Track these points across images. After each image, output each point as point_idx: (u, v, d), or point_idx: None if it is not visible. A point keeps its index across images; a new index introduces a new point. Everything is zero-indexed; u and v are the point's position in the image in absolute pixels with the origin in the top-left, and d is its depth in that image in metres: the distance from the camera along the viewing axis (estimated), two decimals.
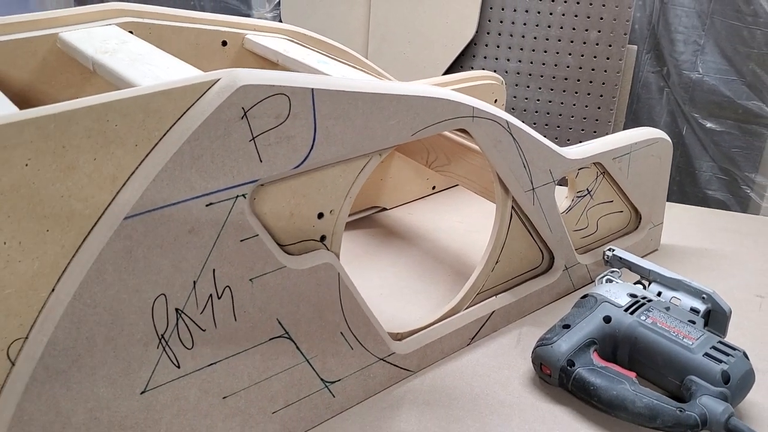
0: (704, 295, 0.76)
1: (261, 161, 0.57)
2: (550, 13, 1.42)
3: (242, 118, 0.54)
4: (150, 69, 0.61)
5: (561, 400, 0.72)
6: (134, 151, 0.51)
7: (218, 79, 0.54)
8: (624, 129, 1.53)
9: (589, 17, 1.40)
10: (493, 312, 0.80)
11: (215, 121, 0.53)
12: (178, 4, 1.73)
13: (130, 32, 0.73)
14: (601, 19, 1.39)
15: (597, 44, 1.41)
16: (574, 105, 1.46)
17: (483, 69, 1.51)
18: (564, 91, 1.46)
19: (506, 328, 0.83)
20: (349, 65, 0.82)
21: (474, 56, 1.50)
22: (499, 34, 1.47)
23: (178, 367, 0.57)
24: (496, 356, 0.78)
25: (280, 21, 1.62)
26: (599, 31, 1.40)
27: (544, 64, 1.46)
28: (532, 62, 1.46)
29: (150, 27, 0.74)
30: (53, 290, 0.50)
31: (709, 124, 1.55)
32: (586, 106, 1.44)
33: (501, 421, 0.69)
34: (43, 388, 0.51)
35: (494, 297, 0.82)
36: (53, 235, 0.49)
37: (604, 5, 1.38)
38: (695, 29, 1.48)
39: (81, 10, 0.70)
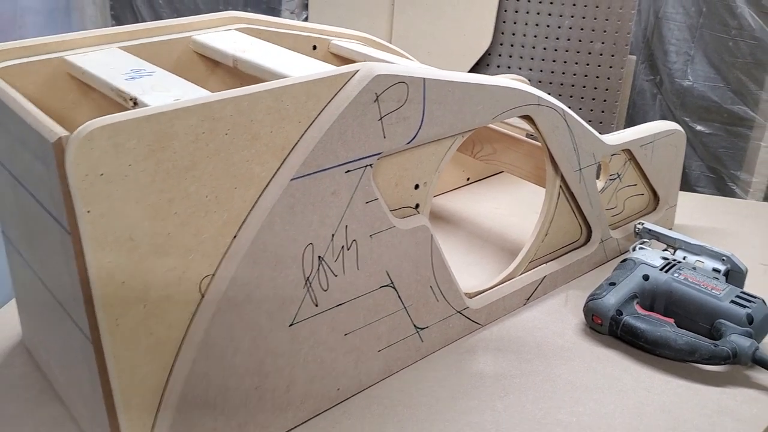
0: (724, 257, 0.91)
1: (384, 137, 0.70)
2: (559, 27, 1.58)
3: (374, 101, 0.67)
4: (284, 62, 0.74)
5: (610, 345, 0.85)
6: (298, 126, 0.64)
7: (358, 70, 0.67)
8: None
9: (593, 30, 1.55)
10: (544, 277, 0.94)
11: (356, 103, 0.66)
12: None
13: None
14: (605, 32, 1.55)
15: (601, 54, 1.56)
16: (580, 109, 1.61)
17: None
18: (571, 97, 1.61)
19: (554, 292, 0.96)
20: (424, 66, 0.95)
21: (488, 65, 1.65)
22: (512, 45, 1.62)
23: (316, 305, 0.70)
24: (550, 313, 0.92)
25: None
26: (603, 43, 1.56)
27: (552, 72, 1.61)
28: (541, 71, 1.62)
29: (259, 32, 0.86)
30: (235, 236, 0.63)
31: (698, 127, 1.71)
32: (591, 110, 1.60)
33: (563, 362, 0.83)
34: (224, 316, 0.63)
35: (545, 264, 0.95)
36: (239, 191, 0.62)
37: (607, 19, 1.54)
38: (686, 41, 1.65)
39: (207, 17, 0.83)
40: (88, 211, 0.54)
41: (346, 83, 0.66)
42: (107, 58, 0.73)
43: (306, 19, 1.72)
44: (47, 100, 0.73)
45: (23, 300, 0.79)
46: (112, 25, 1.85)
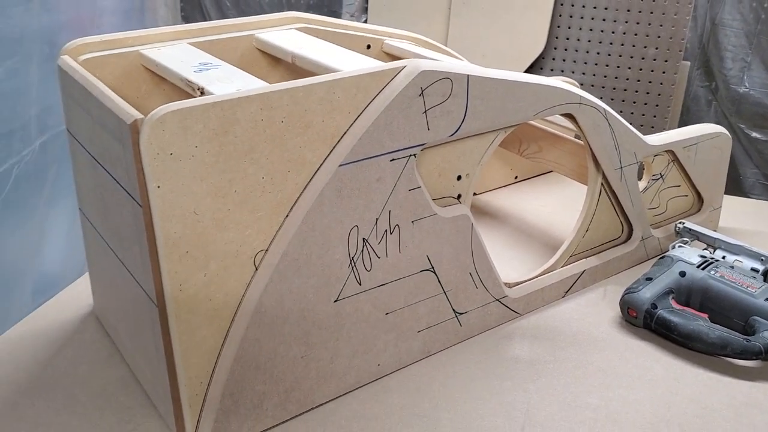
0: (762, 257, 0.93)
1: (428, 129, 0.75)
2: (612, 32, 1.60)
3: (420, 95, 0.72)
4: (337, 59, 0.80)
5: (644, 337, 0.88)
6: (347, 116, 0.69)
7: (405, 66, 0.72)
8: None
9: (647, 36, 1.57)
10: (583, 271, 0.97)
11: (402, 96, 0.71)
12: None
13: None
14: (659, 37, 1.56)
15: (654, 60, 1.58)
16: (632, 114, 1.62)
17: None
18: (623, 101, 1.63)
19: (593, 286, 0.99)
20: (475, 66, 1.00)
21: (542, 69, 1.68)
22: (566, 50, 1.65)
23: (360, 284, 0.75)
24: (587, 306, 0.95)
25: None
26: (656, 48, 1.57)
27: (605, 76, 1.63)
28: (594, 75, 1.64)
29: (317, 31, 0.92)
30: (287, 216, 0.68)
31: (754, 134, 1.70)
32: (643, 115, 1.61)
33: (596, 351, 0.86)
34: (275, 288, 0.69)
35: (585, 259, 0.98)
36: (292, 175, 0.67)
37: (661, 25, 1.56)
38: (743, 48, 1.65)
39: (270, 17, 0.89)
40: (158, 186, 0.60)
41: (394, 78, 0.71)
42: (178, 53, 0.80)
43: (366, 21, 1.78)
44: (124, 90, 0.80)
45: (95, 271, 0.87)
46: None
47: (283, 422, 0.74)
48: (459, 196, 0.83)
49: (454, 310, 0.85)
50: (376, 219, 0.74)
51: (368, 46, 0.98)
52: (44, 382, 0.79)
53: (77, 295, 0.95)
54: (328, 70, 0.78)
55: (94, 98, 0.66)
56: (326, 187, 0.69)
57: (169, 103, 0.60)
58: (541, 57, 1.66)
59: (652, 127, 1.60)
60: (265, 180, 0.66)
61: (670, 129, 1.65)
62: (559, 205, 1.21)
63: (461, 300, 0.85)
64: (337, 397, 0.77)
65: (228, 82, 0.70)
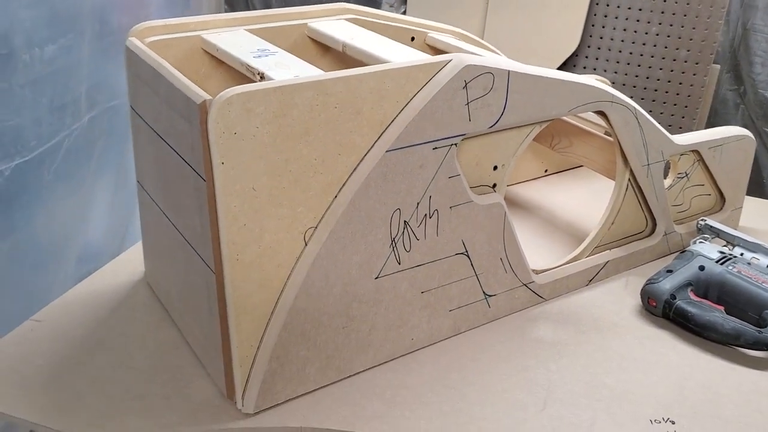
0: None
1: (470, 120, 0.80)
2: (646, 33, 1.63)
3: (463, 88, 0.77)
4: (385, 49, 0.85)
5: (662, 326, 0.93)
6: (395, 105, 0.74)
7: (450, 60, 0.77)
8: None
9: (680, 38, 1.60)
10: (607, 261, 1.02)
11: (447, 88, 0.76)
12: None
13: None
14: (691, 40, 1.59)
15: (685, 62, 1.61)
16: (661, 114, 1.66)
17: None
18: (653, 101, 1.67)
19: (616, 276, 1.04)
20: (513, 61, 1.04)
21: (575, 66, 1.72)
22: (599, 48, 1.69)
23: (399, 263, 0.80)
24: (609, 294, 1.00)
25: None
26: (688, 51, 1.60)
27: (636, 76, 1.67)
28: (626, 74, 1.67)
29: (365, 22, 0.97)
30: (336, 196, 0.74)
31: None
32: (672, 115, 1.65)
33: (616, 336, 0.91)
34: (322, 263, 0.74)
35: (609, 250, 1.03)
36: (342, 158, 0.73)
37: (694, 28, 1.59)
38: None
39: (321, 7, 0.95)
40: (222, 163, 0.66)
41: (440, 70, 0.76)
42: (236, 38, 0.85)
43: (404, 13, 1.82)
44: (184, 71, 0.85)
45: (149, 240, 0.93)
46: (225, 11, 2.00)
47: (323, 387, 0.80)
48: (494, 185, 0.88)
49: (484, 292, 0.90)
50: (417, 203, 0.79)
51: (412, 38, 1.02)
52: (102, 340, 0.86)
53: (128, 264, 1.01)
54: (376, 60, 0.83)
55: (163, 79, 0.72)
56: (373, 171, 0.74)
57: (226, 85, 0.65)
58: (575, 55, 1.70)
59: (680, 128, 1.64)
60: (317, 161, 0.71)
61: (697, 130, 1.68)
62: (586, 199, 1.25)
63: (491, 283, 0.90)
64: (373, 367, 0.83)
65: (285, 68, 0.76)
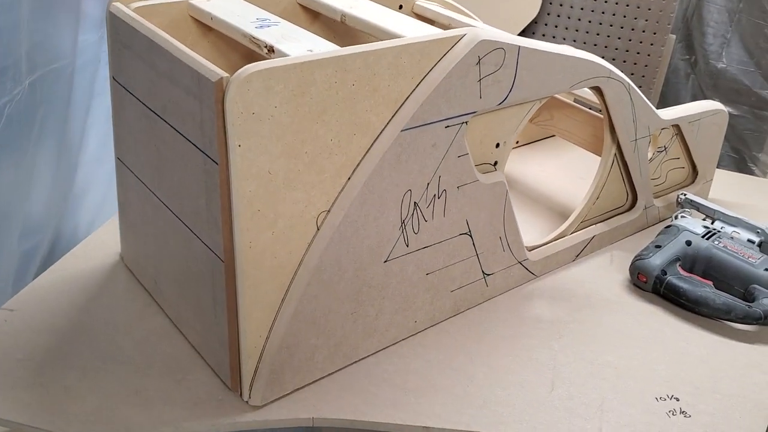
0: (758, 230, 0.99)
1: (480, 98, 0.77)
2: (605, 1, 1.64)
3: (476, 64, 0.75)
4: (387, 19, 0.81)
5: (653, 301, 0.94)
6: (410, 82, 0.71)
7: (464, 35, 0.74)
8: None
9: (638, 7, 1.61)
10: (593, 237, 1.02)
11: (462, 64, 0.73)
12: None
13: None
14: (649, 9, 1.61)
15: (643, 31, 1.62)
16: None
17: None
18: None
19: (600, 251, 1.05)
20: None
21: (533, 33, 1.71)
22: (558, 16, 1.68)
23: (407, 246, 0.78)
24: (597, 269, 1.00)
25: None
26: (646, 20, 1.62)
27: (595, 45, 1.67)
28: (585, 42, 1.68)
29: None
30: (349, 178, 0.70)
31: (728, 109, 1.78)
32: None
33: (611, 313, 0.91)
34: (335, 248, 0.71)
35: (594, 225, 1.03)
36: (357, 138, 0.69)
37: None
38: (724, 24, 1.71)
39: None
40: (239, 145, 0.61)
41: (455, 45, 0.73)
42: (230, 5, 0.79)
43: None
44: None
45: (131, 222, 0.87)
46: None
47: (330, 374, 0.77)
48: (495, 163, 0.86)
49: (483, 271, 0.88)
50: (428, 183, 0.76)
51: (400, 6, 0.98)
52: (85, 329, 0.80)
53: (101, 245, 0.95)
54: (380, 31, 0.79)
55: (165, 51, 0.66)
56: (388, 152, 0.71)
57: (216, 56, 0.60)
58: (534, 22, 1.69)
59: None
60: (333, 142, 0.67)
61: (653, 101, 1.71)
62: (560, 171, 1.25)
63: (490, 262, 0.88)
64: (377, 351, 0.81)
65: (295, 41, 0.71)
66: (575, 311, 0.91)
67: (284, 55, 0.68)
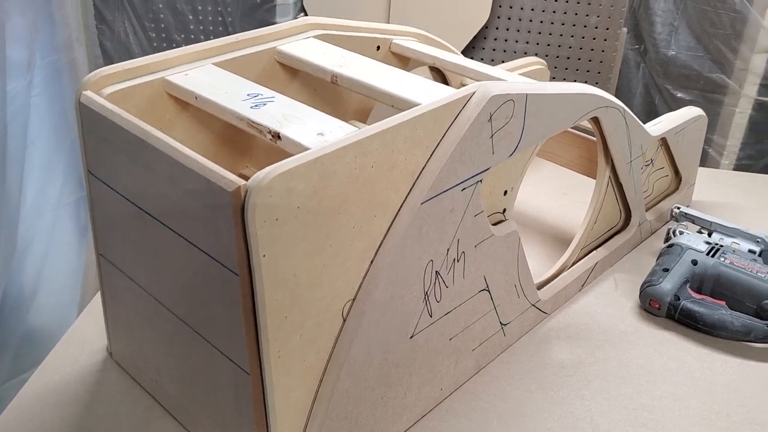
0: (758, 239, 0.99)
1: (493, 153, 0.73)
2: (556, 0, 1.61)
3: (488, 120, 0.70)
4: (382, 77, 0.75)
5: (668, 327, 0.92)
6: (426, 151, 0.66)
7: (474, 92, 0.69)
8: None
9: (590, 3, 1.60)
10: (596, 263, 1.00)
11: (475, 124, 0.68)
12: None
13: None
14: (600, 5, 1.59)
15: (596, 27, 1.61)
16: (575, 81, 1.66)
17: (494, 50, 1.69)
18: (566, 69, 1.66)
19: (602, 276, 1.02)
20: (482, 64, 0.97)
21: (485, 38, 1.67)
22: (509, 18, 1.65)
23: (431, 316, 0.73)
24: (604, 297, 0.98)
25: (302, 6, 1.73)
26: (598, 16, 1.60)
27: (549, 45, 1.65)
28: (538, 43, 1.65)
29: (334, 37, 0.86)
30: (372, 261, 0.65)
31: (679, 94, 1.79)
32: (586, 82, 1.65)
33: (630, 346, 0.89)
34: (363, 336, 0.66)
35: (595, 251, 1.01)
36: (377, 219, 0.64)
37: None
38: (671, 12, 1.72)
39: (286, 26, 0.82)
40: (264, 256, 0.55)
41: (465, 105, 0.68)
42: (210, 78, 0.72)
43: None
44: (149, 120, 0.71)
45: (121, 320, 0.79)
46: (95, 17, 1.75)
47: None
48: (504, 210, 0.82)
49: (500, 322, 0.84)
50: (447, 249, 0.72)
51: (378, 48, 0.93)
52: None
53: (83, 342, 0.86)
54: (377, 92, 0.73)
55: (161, 154, 0.59)
56: (409, 227, 0.66)
57: (197, 131, 0.56)
58: (485, 27, 1.65)
59: None
60: (355, 229, 0.62)
61: (610, 94, 1.70)
62: (543, 189, 1.22)
63: (507, 312, 0.85)
64: (406, 429, 0.76)
65: (299, 121, 0.64)
66: (596, 350, 0.88)
67: (293, 141, 0.61)
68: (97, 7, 1.74)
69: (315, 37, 0.85)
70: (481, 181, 0.72)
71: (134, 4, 1.72)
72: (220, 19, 1.69)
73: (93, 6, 1.75)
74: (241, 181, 0.54)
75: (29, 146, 1.73)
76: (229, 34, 1.74)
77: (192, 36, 1.72)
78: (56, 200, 1.81)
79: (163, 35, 1.75)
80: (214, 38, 0.80)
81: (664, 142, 1.07)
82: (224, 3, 1.68)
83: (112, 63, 0.72)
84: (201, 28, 1.71)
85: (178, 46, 1.77)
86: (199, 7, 1.70)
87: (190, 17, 1.71)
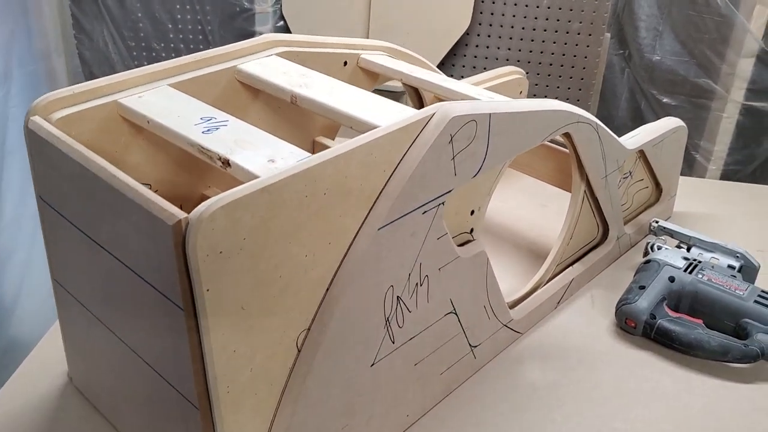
0: (737, 254, 0.97)
1: (455, 175, 0.71)
2: (537, 6, 1.59)
3: (449, 142, 0.68)
4: (343, 97, 0.74)
5: (643, 346, 0.90)
6: (384, 175, 0.64)
7: (434, 114, 0.67)
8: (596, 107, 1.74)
9: (571, 9, 1.58)
10: (572, 279, 0.98)
11: (434, 146, 0.66)
12: None
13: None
14: (582, 11, 1.57)
15: (578, 34, 1.59)
16: (558, 88, 1.64)
17: (475, 57, 1.67)
18: (549, 76, 1.64)
19: (578, 293, 1.00)
20: (450, 79, 0.95)
21: (467, 45, 1.65)
22: (490, 25, 1.63)
23: (393, 342, 0.71)
24: (580, 315, 0.96)
25: (281, 14, 1.71)
26: (581, 22, 1.58)
27: (531, 51, 1.63)
28: (520, 50, 1.63)
29: (297, 54, 0.84)
30: (327, 289, 0.63)
31: (665, 100, 1.77)
32: (569, 89, 1.63)
33: (605, 366, 0.87)
34: (319, 366, 0.64)
35: (571, 267, 0.99)
36: (332, 246, 0.62)
37: None
38: (655, 17, 1.70)
39: (248, 44, 0.80)
40: (208, 290, 0.53)
41: (424, 127, 0.66)
42: (165, 102, 0.70)
43: (278, 2, 1.67)
44: (102, 145, 0.70)
45: (78, 347, 0.77)
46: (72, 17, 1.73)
47: None
48: (472, 230, 0.80)
49: (470, 344, 0.83)
50: (409, 274, 0.70)
51: (345, 63, 0.91)
52: None
53: (43, 367, 0.84)
54: (336, 113, 0.71)
55: (104, 183, 0.57)
56: (366, 253, 0.64)
57: (153, 155, 0.53)
58: (466, 34, 1.63)
59: (578, 100, 1.63)
60: (308, 258, 0.60)
61: (593, 101, 1.68)
62: (519, 201, 1.20)
63: (477, 334, 0.83)
64: None
65: (251, 147, 0.63)
66: (569, 370, 0.86)
67: (242, 169, 0.59)
68: (75, 17, 1.72)
69: (278, 54, 0.83)
70: (443, 203, 0.70)
71: (113, 13, 1.70)
72: (199, 27, 1.66)
73: (71, 16, 1.73)
74: (183, 214, 0.52)
75: (7, 157, 1.72)
76: (208, 42, 1.72)
77: (171, 45, 1.70)
78: (35, 211, 1.80)
79: (143, 44, 1.73)
80: (193, 47, 0.78)
81: (642, 154, 1.05)
82: (203, 12, 1.66)
83: (92, 72, 0.70)
84: (180, 36, 1.68)
85: (158, 55, 1.77)
86: (178, 16, 1.68)
87: (169, 26, 1.69)
